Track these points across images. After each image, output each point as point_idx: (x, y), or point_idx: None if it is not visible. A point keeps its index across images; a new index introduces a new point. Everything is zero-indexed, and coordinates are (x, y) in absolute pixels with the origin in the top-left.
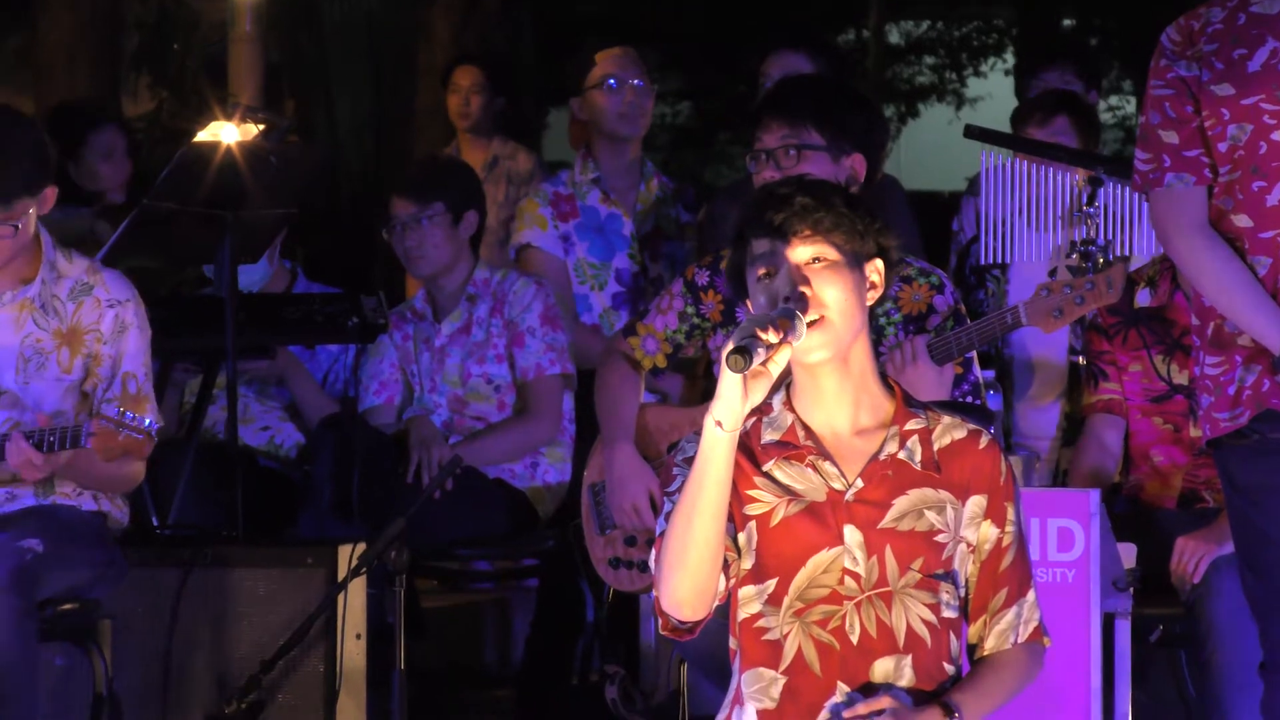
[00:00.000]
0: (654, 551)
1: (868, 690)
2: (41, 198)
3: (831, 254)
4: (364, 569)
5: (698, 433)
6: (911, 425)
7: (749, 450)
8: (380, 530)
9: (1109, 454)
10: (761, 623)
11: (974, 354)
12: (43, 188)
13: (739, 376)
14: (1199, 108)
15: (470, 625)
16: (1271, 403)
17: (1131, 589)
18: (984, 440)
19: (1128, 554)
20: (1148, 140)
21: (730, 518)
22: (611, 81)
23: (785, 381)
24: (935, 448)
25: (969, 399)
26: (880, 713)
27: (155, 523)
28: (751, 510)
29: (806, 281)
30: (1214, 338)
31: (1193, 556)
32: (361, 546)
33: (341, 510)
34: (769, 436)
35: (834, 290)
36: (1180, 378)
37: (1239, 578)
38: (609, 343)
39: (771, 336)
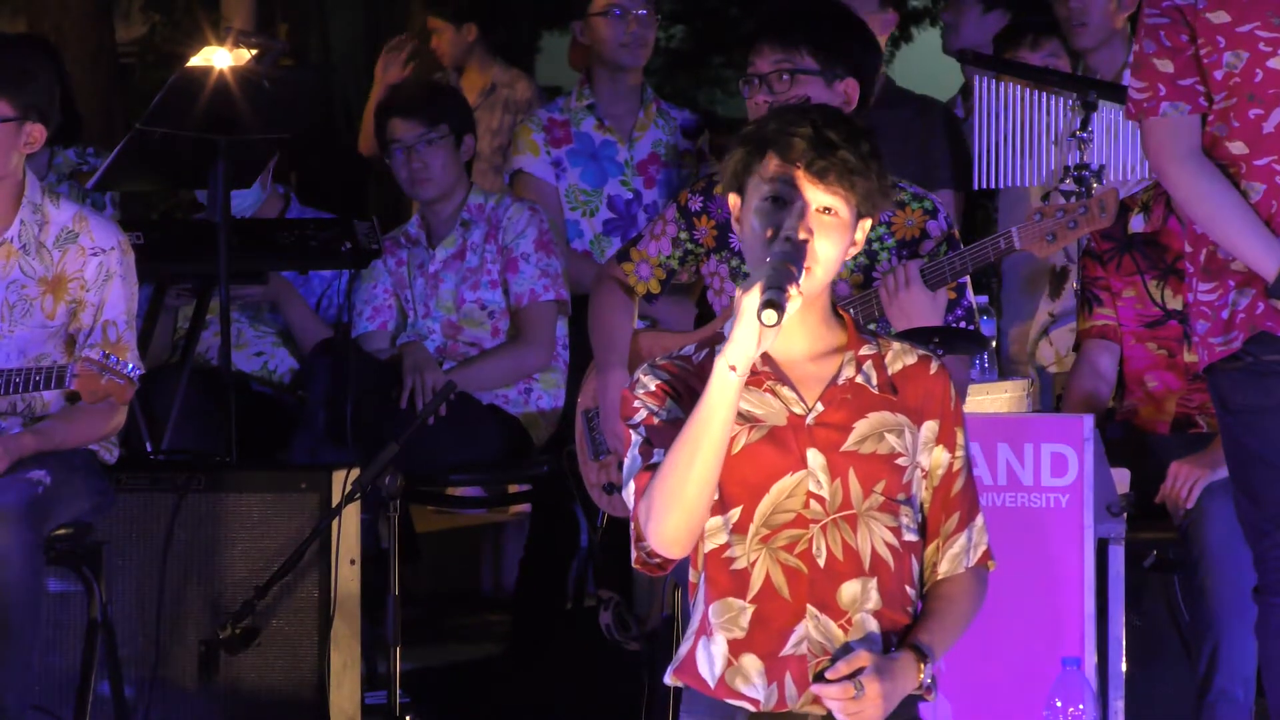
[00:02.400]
0: (632, 485)
1: (836, 614)
2: (24, 132)
3: (844, 212)
4: (358, 494)
5: (652, 364)
6: (865, 351)
7: (704, 382)
8: (374, 455)
9: (1103, 379)
10: (729, 553)
11: (968, 279)
12: (25, 121)
13: (756, 323)
14: (1194, 36)
15: (464, 551)
16: (1265, 324)
17: (1125, 514)
18: (934, 366)
19: (1121, 479)
20: (1142, 69)
21: None
22: (616, 10)
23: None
24: (889, 372)
25: (963, 324)
26: (861, 670)
27: (149, 448)
28: None
29: (811, 232)
30: (1207, 264)
31: (1186, 481)
32: (355, 472)
33: (335, 435)
34: None
35: (829, 247)
36: (1174, 303)
37: (1232, 502)
38: (602, 268)
39: (795, 291)
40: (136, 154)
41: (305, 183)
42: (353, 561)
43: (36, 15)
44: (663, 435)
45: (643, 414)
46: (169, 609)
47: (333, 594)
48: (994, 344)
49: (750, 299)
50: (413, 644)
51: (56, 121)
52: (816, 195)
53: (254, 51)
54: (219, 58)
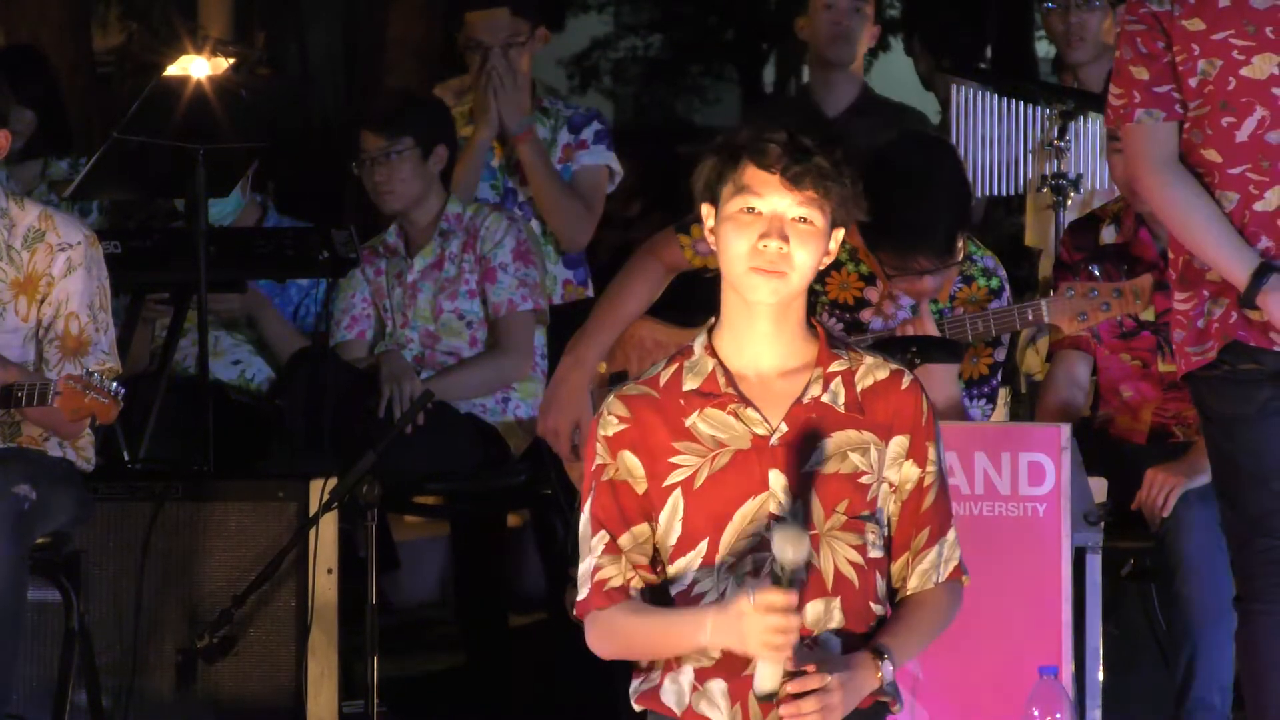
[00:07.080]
0: (587, 588)
1: (800, 634)
2: None
3: (819, 220)
4: (335, 503)
5: (621, 393)
6: (835, 367)
7: (666, 413)
8: (351, 464)
9: (1078, 388)
10: (698, 589)
11: (1002, 357)
12: None
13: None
14: (1170, 43)
15: (441, 559)
16: (1238, 334)
17: (1102, 523)
18: (905, 380)
19: (1098, 488)
20: (1120, 75)
21: (648, 514)
22: (473, 44)
23: (709, 325)
24: (858, 389)
25: (986, 404)
26: (813, 691)
27: (126, 457)
28: (675, 478)
29: (787, 239)
30: (1183, 273)
31: (1162, 489)
32: (333, 481)
33: (313, 444)
34: (690, 384)
35: (805, 254)
36: (1147, 314)
37: (1208, 510)
38: (654, 238)
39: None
40: (114, 163)
41: (283, 192)
42: (330, 570)
43: (13, 24)
44: (610, 515)
45: (597, 462)
46: (146, 618)
47: (310, 603)
48: None
49: (759, 676)
50: (390, 653)
51: None
52: (792, 205)
53: (231, 60)
54: (196, 66)
